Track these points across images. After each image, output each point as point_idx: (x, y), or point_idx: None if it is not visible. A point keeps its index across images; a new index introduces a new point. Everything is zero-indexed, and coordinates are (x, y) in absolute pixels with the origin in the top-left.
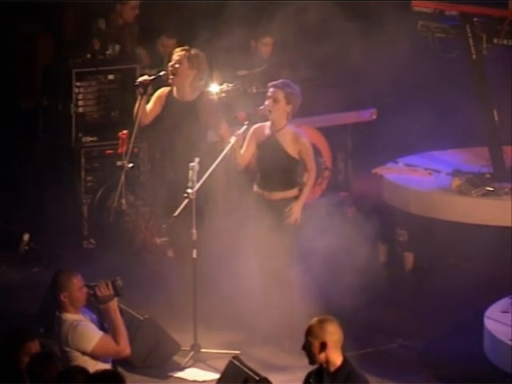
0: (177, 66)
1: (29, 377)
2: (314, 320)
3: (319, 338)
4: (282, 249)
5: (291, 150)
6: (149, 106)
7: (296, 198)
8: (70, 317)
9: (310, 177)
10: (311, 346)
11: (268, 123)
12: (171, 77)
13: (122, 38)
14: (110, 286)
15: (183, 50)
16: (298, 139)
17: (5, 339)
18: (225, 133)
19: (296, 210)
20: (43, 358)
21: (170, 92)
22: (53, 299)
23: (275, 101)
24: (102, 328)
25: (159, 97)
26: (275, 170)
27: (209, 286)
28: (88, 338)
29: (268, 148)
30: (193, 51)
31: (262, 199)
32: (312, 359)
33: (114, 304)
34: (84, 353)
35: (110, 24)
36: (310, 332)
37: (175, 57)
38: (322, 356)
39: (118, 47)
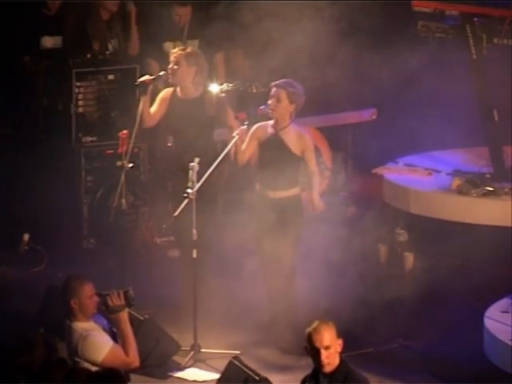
0: (175, 67)
1: (25, 377)
2: (325, 325)
3: (337, 338)
4: (284, 247)
5: (295, 149)
6: (153, 109)
7: (298, 195)
8: (80, 326)
9: (314, 173)
10: (331, 349)
11: (270, 122)
12: (171, 78)
13: (112, 33)
14: (122, 296)
15: (180, 49)
16: (302, 138)
17: (23, 344)
18: (233, 123)
19: (316, 199)
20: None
21: (174, 92)
22: (62, 304)
23: (278, 100)
24: (112, 334)
25: (163, 98)
26: (279, 169)
27: (209, 285)
28: (98, 349)
29: (272, 147)
30: (189, 49)
31: (264, 198)
32: (330, 363)
33: (124, 315)
34: (94, 364)
35: (92, 22)
36: (329, 337)
37: (172, 58)
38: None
39: (115, 43)
